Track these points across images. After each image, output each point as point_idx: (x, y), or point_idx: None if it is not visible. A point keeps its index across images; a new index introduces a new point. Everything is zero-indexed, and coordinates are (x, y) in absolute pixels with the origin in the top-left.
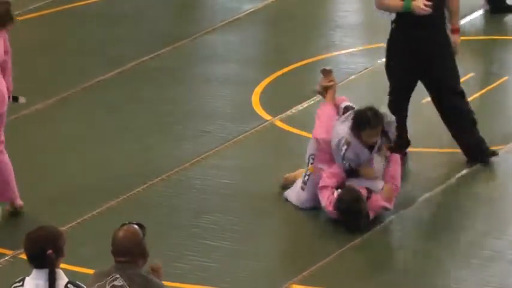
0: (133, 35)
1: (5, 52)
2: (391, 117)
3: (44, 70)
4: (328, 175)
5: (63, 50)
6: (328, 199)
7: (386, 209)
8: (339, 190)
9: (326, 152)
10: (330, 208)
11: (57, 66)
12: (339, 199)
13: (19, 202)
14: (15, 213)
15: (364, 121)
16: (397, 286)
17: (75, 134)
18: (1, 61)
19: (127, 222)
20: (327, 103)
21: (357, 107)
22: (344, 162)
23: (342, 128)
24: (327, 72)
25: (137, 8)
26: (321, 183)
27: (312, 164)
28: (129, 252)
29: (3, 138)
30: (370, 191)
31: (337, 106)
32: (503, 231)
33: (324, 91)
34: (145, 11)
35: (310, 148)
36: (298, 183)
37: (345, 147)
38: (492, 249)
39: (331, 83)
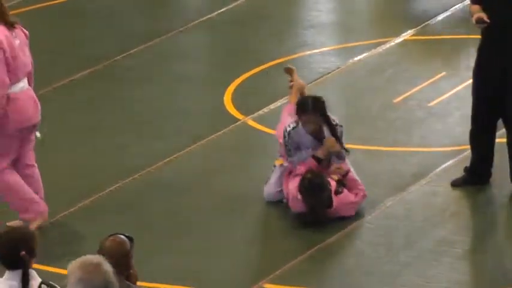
0: (105, 33)
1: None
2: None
3: None
4: (298, 167)
5: (34, 49)
6: (296, 184)
7: (351, 206)
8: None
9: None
10: (295, 192)
11: None
12: (302, 178)
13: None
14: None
15: (302, 106)
16: (367, 286)
17: (47, 133)
18: (29, 70)
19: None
20: (288, 104)
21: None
22: (286, 141)
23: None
24: (288, 71)
25: (108, 6)
26: (292, 174)
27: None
28: (113, 263)
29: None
30: (342, 185)
31: None
32: (473, 229)
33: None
34: (116, 9)
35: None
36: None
37: (293, 125)
38: (463, 247)
39: (291, 83)
